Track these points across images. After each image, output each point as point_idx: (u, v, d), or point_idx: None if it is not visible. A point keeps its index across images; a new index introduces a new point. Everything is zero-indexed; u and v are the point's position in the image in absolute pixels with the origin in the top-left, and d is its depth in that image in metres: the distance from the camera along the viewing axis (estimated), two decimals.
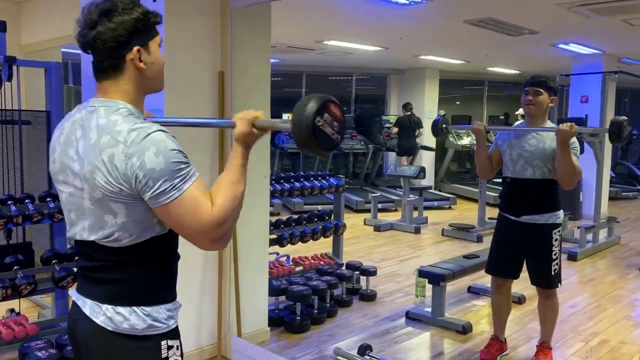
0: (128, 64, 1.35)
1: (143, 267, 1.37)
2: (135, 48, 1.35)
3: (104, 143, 1.29)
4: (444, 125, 3.72)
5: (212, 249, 1.40)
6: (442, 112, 11.33)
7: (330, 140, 1.34)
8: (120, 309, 1.34)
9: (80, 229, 1.38)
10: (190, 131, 3.14)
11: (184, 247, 1.46)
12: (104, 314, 1.35)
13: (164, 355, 1.38)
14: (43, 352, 2.90)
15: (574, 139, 3.02)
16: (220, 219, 1.31)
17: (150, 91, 1.44)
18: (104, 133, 1.30)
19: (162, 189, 1.27)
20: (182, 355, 1.44)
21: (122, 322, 1.34)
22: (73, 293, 1.44)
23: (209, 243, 1.35)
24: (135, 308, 1.35)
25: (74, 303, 1.42)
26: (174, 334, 1.42)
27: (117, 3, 1.33)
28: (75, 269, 3.08)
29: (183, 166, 1.29)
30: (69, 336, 1.49)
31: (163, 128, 1.32)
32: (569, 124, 2.90)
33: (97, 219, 1.33)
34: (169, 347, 1.39)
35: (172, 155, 1.28)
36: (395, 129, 9.83)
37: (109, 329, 1.34)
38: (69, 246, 3.47)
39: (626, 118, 3.09)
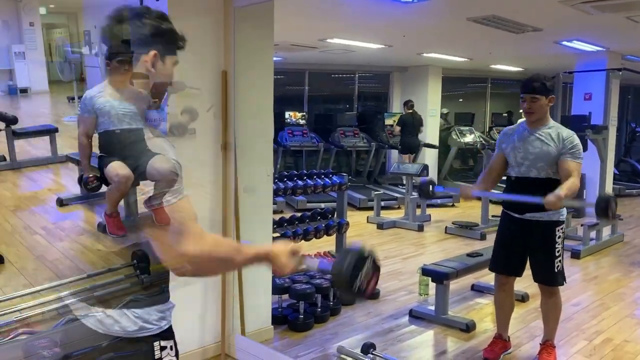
0: (140, 64, 1.37)
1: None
2: (153, 52, 1.37)
3: None
4: (431, 187, 3.49)
5: (172, 262, 1.31)
6: (445, 110, 11.34)
7: (365, 292, 1.33)
8: (111, 312, 1.34)
9: None
10: (195, 144, 3.15)
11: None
12: (94, 317, 1.35)
13: (157, 356, 1.38)
14: (47, 350, 2.91)
15: (577, 142, 3.04)
16: (192, 253, 1.27)
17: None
18: None
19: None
20: (177, 355, 1.43)
21: (113, 324, 1.34)
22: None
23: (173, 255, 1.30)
24: (125, 311, 1.35)
25: (67, 305, 1.43)
26: (167, 334, 1.41)
27: (152, 11, 1.38)
28: None
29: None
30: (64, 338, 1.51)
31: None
32: (555, 196, 2.85)
33: None
34: (162, 348, 1.39)
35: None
36: (398, 128, 9.81)
37: (100, 332, 1.34)
38: None
39: (613, 196, 3.02)
